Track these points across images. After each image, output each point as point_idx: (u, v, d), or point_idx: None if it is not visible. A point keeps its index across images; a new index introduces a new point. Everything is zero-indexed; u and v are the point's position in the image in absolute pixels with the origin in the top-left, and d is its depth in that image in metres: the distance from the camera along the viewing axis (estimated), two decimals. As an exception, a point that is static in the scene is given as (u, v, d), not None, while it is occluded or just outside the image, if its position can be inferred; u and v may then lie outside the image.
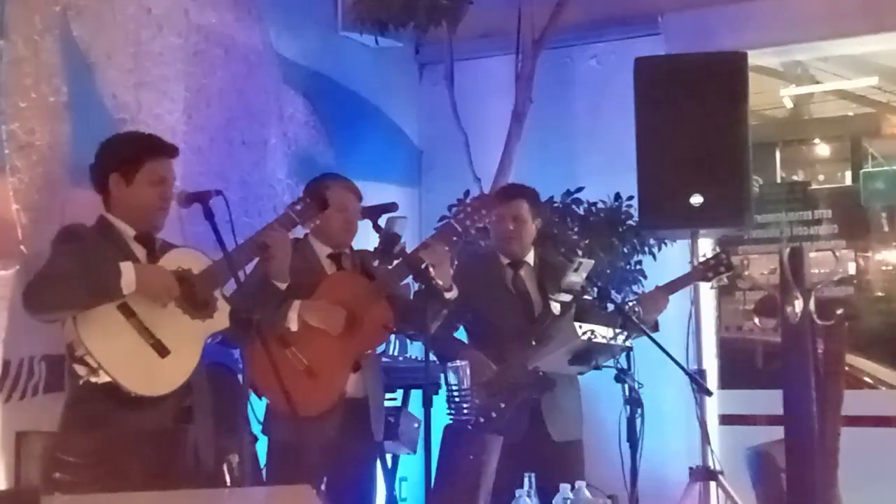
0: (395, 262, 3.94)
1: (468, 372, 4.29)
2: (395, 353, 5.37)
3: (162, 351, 3.34)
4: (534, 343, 4.31)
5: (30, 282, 3.35)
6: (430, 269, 3.89)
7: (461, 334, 4.64)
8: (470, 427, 4.30)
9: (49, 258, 3.40)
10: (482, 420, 4.32)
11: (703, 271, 4.58)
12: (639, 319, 4.36)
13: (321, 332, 3.91)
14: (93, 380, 3.28)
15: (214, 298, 3.48)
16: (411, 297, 4.30)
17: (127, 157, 3.53)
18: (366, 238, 4.14)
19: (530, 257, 4.58)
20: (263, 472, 4.12)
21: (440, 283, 3.90)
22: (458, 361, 4.45)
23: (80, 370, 3.29)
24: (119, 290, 3.28)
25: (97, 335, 3.27)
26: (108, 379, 3.26)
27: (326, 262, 4.12)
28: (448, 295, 3.97)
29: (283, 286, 3.69)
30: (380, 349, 4.44)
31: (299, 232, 4.00)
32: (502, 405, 4.33)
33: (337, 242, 4.12)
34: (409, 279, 4.14)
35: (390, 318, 4.00)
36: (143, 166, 3.51)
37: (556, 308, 4.39)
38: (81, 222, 3.54)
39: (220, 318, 3.48)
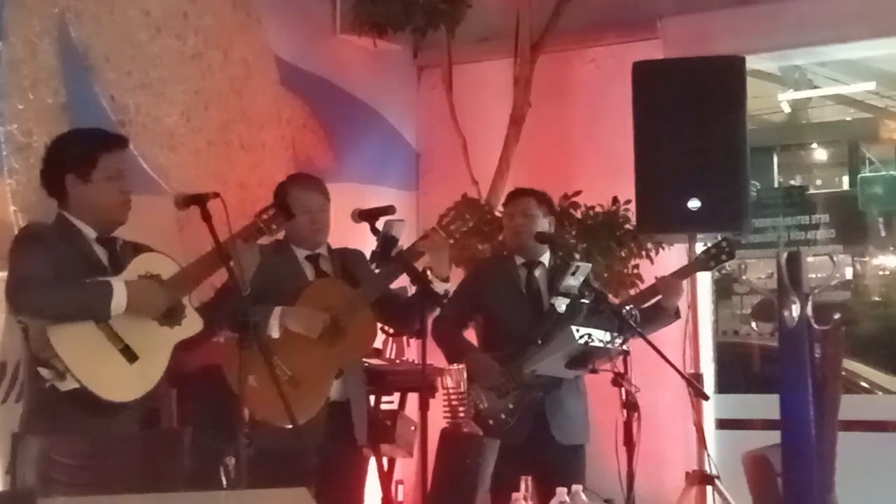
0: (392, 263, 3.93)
1: (465, 375, 4.30)
2: (392, 357, 5.37)
3: (130, 357, 3.31)
4: (539, 342, 4.33)
5: (11, 282, 3.28)
6: (429, 272, 3.89)
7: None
8: (475, 428, 4.30)
9: (19, 257, 3.32)
10: (490, 422, 4.33)
11: (705, 260, 4.59)
12: (651, 314, 4.44)
13: (305, 340, 3.86)
14: (57, 384, 3.22)
15: (183, 305, 3.44)
16: (406, 298, 4.29)
17: (80, 155, 3.43)
18: (363, 241, 4.14)
19: (545, 258, 4.60)
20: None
21: (438, 273, 3.93)
22: (454, 364, 4.45)
23: (46, 373, 3.23)
24: (108, 312, 3.25)
25: (66, 338, 3.22)
26: (73, 384, 3.20)
27: (305, 263, 4.10)
28: (445, 286, 3.98)
29: (244, 293, 3.64)
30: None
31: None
32: (510, 406, 4.35)
33: (310, 244, 4.10)
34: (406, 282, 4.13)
35: (374, 331, 3.98)
36: (99, 162, 3.42)
37: (561, 308, 4.39)
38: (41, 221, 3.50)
39: (188, 326, 3.44)
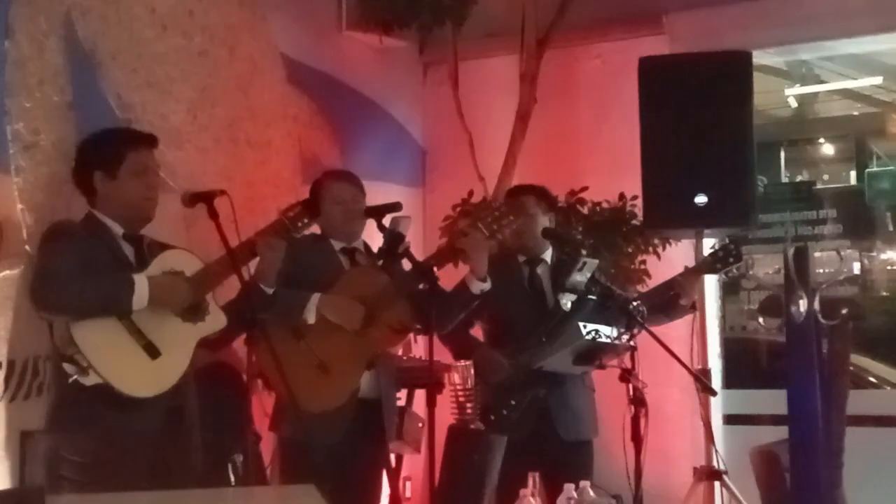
0: (404, 261, 3.93)
1: (472, 372, 4.30)
2: (399, 353, 5.37)
3: (153, 353, 3.33)
4: (543, 339, 4.33)
5: (35, 278, 3.34)
6: (435, 270, 3.89)
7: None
8: (482, 425, 4.30)
9: (45, 254, 3.39)
10: (493, 418, 4.33)
11: (711, 262, 4.59)
12: (667, 308, 4.47)
13: (337, 328, 3.89)
14: (81, 379, 3.25)
15: (206, 302, 3.47)
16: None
17: (108, 151, 3.52)
18: (370, 237, 4.14)
19: (548, 254, 4.60)
20: (268, 470, 4.13)
21: (476, 272, 3.94)
22: (461, 361, 4.45)
23: (70, 369, 3.27)
24: (129, 306, 3.29)
25: (89, 334, 3.25)
26: (97, 380, 3.24)
27: (342, 255, 4.11)
28: (483, 286, 3.98)
29: (269, 290, 3.68)
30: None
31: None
32: (513, 402, 4.35)
33: (344, 235, 4.11)
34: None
35: (407, 319, 3.97)
36: (126, 159, 3.50)
37: (566, 305, 4.40)
38: (69, 219, 3.54)
39: (212, 322, 3.47)
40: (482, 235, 3.97)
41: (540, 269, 4.57)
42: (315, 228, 4.09)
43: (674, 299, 4.52)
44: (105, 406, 3.27)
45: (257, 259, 3.68)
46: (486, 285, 4.01)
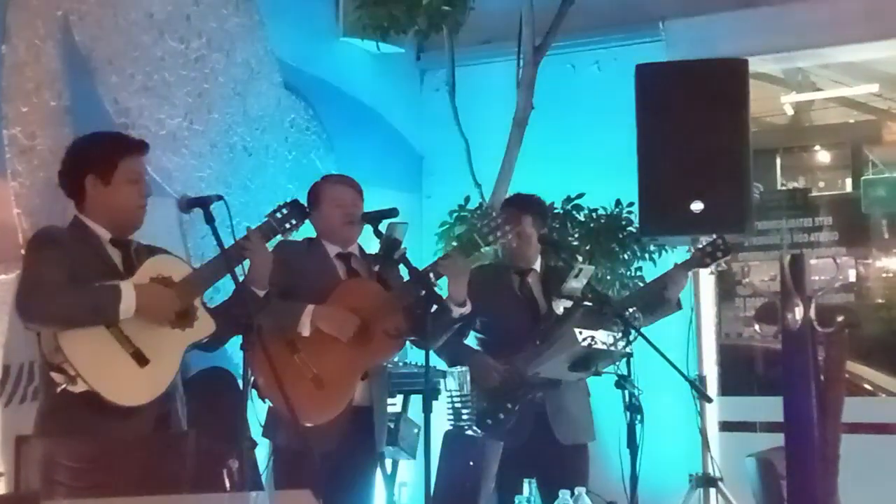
0: (399, 266, 3.91)
1: (468, 378, 4.29)
2: (396, 359, 5.36)
3: (141, 360, 3.30)
4: (538, 343, 4.33)
5: (21, 288, 3.30)
6: (435, 278, 3.88)
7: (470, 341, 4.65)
8: (477, 430, 4.29)
9: (32, 263, 3.34)
10: (489, 422, 4.33)
11: (700, 258, 4.60)
12: (654, 306, 4.49)
13: (333, 340, 3.85)
14: (70, 388, 3.22)
15: (194, 307, 3.44)
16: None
17: (102, 156, 3.45)
18: (366, 243, 4.14)
19: (538, 264, 4.61)
20: (263, 476, 4.12)
21: (453, 296, 3.91)
22: (458, 367, 4.45)
23: (58, 378, 3.23)
24: (116, 315, 3.25)
25: (77, 343, 3.22)
26: (85, 388, 3.21)
27: (336, 261, 4.06)
28: (461, 310, 3.96)
29: (261, 293, 3.63)
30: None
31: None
32: (509, 405, 4.35)
33: (341, 239, 4.07)
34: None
35: (402, 324, 3.96)
36: (120, 165, 3.44)
37: (559, 310, 4.40)
38: (55, 224, 3.51)
39: (200, 328, 3.43)
40: (463, 261, 3.95)
41: (530, 278, 4.58)
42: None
43: (661, 295, 4.53)
44: (94, 414, 3.24)
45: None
46: (465, 309, 3.98)
